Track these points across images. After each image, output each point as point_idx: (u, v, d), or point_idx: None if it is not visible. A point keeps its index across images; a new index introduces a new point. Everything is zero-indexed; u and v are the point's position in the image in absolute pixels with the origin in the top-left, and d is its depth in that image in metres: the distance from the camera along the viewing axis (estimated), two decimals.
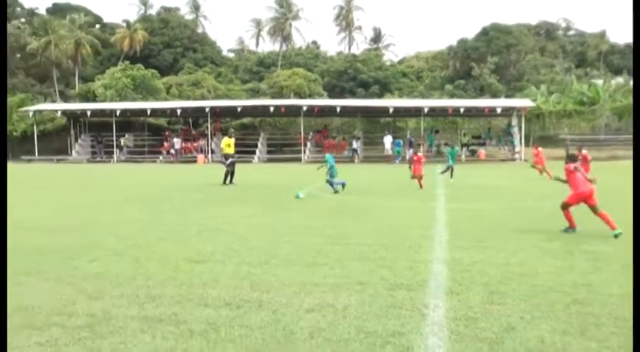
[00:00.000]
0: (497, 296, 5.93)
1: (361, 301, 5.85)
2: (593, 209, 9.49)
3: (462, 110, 41.54)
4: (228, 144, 21.02)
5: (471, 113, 44.64)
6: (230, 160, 20.40)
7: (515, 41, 68.07)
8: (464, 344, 4.64)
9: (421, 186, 18.47)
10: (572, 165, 9.90)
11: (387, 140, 42.37)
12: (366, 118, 48.93)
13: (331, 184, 16.95)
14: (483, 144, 43.85)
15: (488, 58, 65.88)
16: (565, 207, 9.82)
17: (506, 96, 56.95)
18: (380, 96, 60.63)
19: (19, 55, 65.37)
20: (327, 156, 17.85)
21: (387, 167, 33.63)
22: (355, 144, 41.74)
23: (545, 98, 50.75)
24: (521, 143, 40.27)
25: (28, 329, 5.12)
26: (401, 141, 41.11)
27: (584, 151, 18.31)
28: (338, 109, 42.30)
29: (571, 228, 9.77)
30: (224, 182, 20.02)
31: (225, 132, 46.88)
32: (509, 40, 67.18)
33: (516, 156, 39.88)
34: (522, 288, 6.26)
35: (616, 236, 9.00)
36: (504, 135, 43.86)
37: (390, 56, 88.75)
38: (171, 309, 5.64)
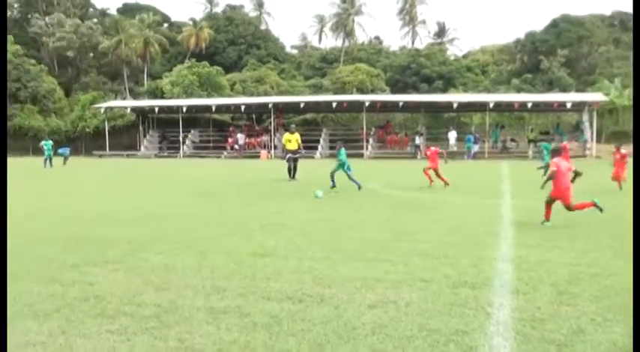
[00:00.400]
0: (566, 297, 5.73)
1: (424, 298, 5.77)
2: (567, 207, 10.17)
3: (529, 105, 40.24)
4: (289, 140, 20.60)
5: (539, 108, 43.23)
6: (288, 156, 20.27)
7: (587, 33, 65.37)
8: (530, 345, 4.50)
9: (431, 181, 17.55)
10: (555, 160, 10.29)
11: (452, 136, 41.66)
12: (430, 114, 48.29)
13: (349, 178, 16.61)
14: (552, 141, 42.44)
15: (557, 50, 63.59)
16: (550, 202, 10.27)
17: (577, 91, 54.83)
18: (444, 91, 59.63)
19: (91, 54, 68.02)
20: (341, 150, 17.30)
21: (451, 163, 33.07)
22: (418, 140, 41.21)
23: (619, 92, 48.54)
24: (592, 139, 38.73)
25: (100, 317, 5.32)
26: (472, 137, 40.02)
27: (623, 151, 17.09)
28: (400, 104, 41.92)
29: (547, 220, 10.24)
30: (292, 177, 20.09)
31: (287, 129, 47.60)
32: (580, 32, 64.60)
33: (587, 152, 38.39)
34: (593, 289, 6.02)
35: (598, 207, 10.14)
36: (572, 131, 42.29)
37: (455, 50, 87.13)
38: (235, 302, 5.74)
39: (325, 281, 6.45)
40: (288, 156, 20.33)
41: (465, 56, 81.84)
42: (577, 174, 10.30)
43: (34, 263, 7.57)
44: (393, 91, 58.98)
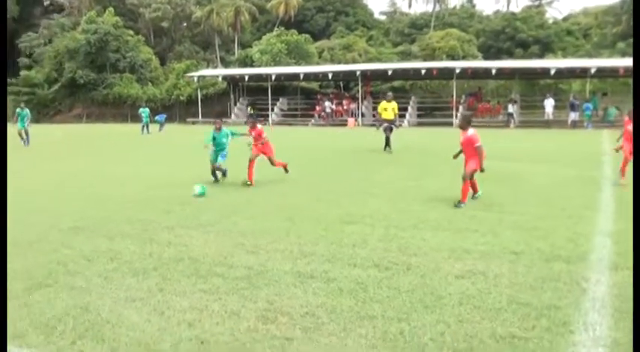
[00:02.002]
0: None
1: (514, 271, 5.61)
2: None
3: None
4: (385, 109, 18.98)
5: None
6: (384, 125, 18.98)
7: None
8: (629, 322, 4.28)
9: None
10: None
11: (548, 103, 39.64)
12: (525, 80, 46.20)
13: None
14: None
15: None
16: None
17: None
18: (540, 56, 56.74)
19: (184, 24, 69.93)
20: None
21: (547, 132, 31.68)
22: (511, 108, 39.55)
23: None
24: None
25: (193, 276, 5.57)
26: (590, 105, 36.93)
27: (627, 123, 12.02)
28: (493, 71, 40.30)
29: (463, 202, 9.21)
30: (387, 147, 18.75)
31: (376, 96, 47.09)
32: None
33: None
34: None
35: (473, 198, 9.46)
36: None
37: (554, 13, 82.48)
38: (321, 267, 5.82)
39: (411, 250, 6.41)
40: (384, 125, 18.93)
41: (564, 19, 77.29)
42: None
43: (131, 225, 7.99)
44: (486, 57, 56.80)
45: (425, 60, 52.35)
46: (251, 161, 12.16)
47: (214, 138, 12.41)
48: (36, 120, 52.31)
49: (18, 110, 24.78)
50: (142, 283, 5.38)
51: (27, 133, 24.06)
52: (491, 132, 31.34)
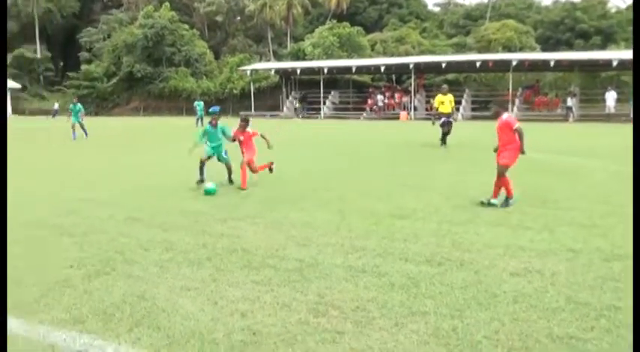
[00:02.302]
0: None
1: (572, 270, 5.45)
2: None
3: None
4: (441, 102, 18.30)
5: None
6: (443, 120, 18.15)
7: None
8: None
9: None
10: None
11: (610, 96, 38.23)
12: (585, 72, 44.74)
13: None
14: None
15: None
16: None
17: None
18: (602, 47, 54.77)
19: (238, 18, 70.81)
20: None
21: (607, 126, 30.61)
22: (570, 102, 38.38)
23: None
24: None
25: (246, 268, 5.64)
26: None
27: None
28: (552, 63, 39.18)
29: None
30: (443, 143, 18.18)
31: (429, 89, 46.51)
32: None
33: None
34: None
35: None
36: None
37: (617, 2, 79.39)
38: (373, 261, 5.80)
39: (465, 246, 6.30)
40: (442, 120, 18.21)
41: (628, 8, 74.35)
42: None
43: (185, 216, 8.15)
44: (544, 49, 55.24)
45: (480, 52, 51.35)
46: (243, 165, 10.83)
47: (209, 134, 11.25)
48: (95, 113, 54.14)
49: (71, 106, 25.27)
50: (196, 273, 5.49)
51: (82, 127, 24.38)
52: (548, 126, 30.54)
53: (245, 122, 11.20)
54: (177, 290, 5.03)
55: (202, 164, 11.10)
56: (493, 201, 8.56)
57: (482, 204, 8.52)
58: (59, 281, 5.30)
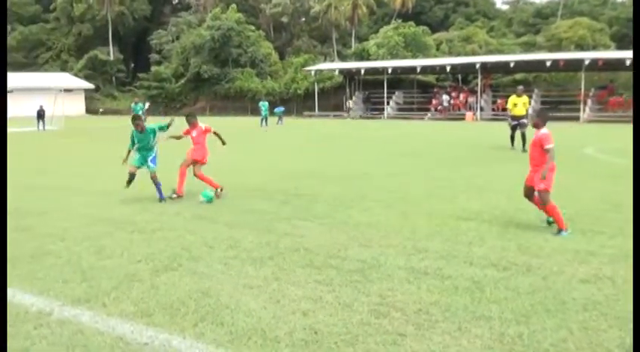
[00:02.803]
0: None
1: None
2: None
3: None
4: (514, 104, 17.37)
5: None
6: (514, 123, 17.29)
7: None
8: None
9: None
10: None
11: None
12: None
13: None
14: None
15: None
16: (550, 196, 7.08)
17: None
18: None
19: (303, 19, 71.39)
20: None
21: None
22: None
23: None
24: None
25: (308, 267, 5.67)
26: None
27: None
28: (627, 62, 37.49)
29: (563, 229, 6.91)
30: (513, 146, 17.32)
31: (495, 89, 45.46)
32: None
33: None
34: None
35: None
36: None
37: None
38: (436, 263, 5.71)
39: (532, 250, 6.12)
40: (513, 123, 17.40)
41: None
42: None
43: (250, 214, 8.27)
44: (619, 47, 52.89)
45: (550, 51, 49.72)
46: (182, 167, 10.14)
47: (137, 141, 9.74)
48: (164, 112, 55.80)
49: (132, 105, 25.47)
50: (259, 271, 5.56)
51: None
52: (622, 127, 29.26)
53: (192, 117, 10.32)
54: (241, 287, 5.11)
55: (132, 176, 9.65)
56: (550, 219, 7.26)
57: (548, 224, 7.27)
58: (128, 275, 5.49)
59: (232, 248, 6.41)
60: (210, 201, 9.22)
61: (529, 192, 7.28)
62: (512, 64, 41.37)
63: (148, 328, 4.24)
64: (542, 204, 7.03)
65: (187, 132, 10.41)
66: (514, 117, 17.30)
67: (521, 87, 18.72)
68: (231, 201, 9.34)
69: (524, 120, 16.98)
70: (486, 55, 49.42)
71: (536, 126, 7.26)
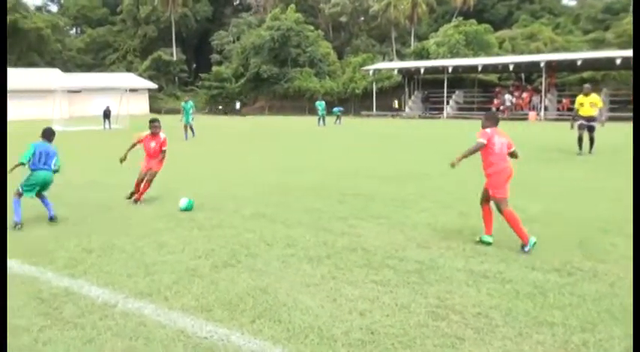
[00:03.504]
0: None
1: None
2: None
3: None
4: (581, 103, 16.09)
5: None
6: (580, 122, 16.05)
7: None
8: None
9: None
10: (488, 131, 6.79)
11: None
12: None
13: None
14: None
15: None
16: (506, 204, 6.46)
17: None
18: None
19: (362, 18, 71.21)
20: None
21: None
22: None
23: None
24: None
25: (365, 267, 5.65)
26: None
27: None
28: None
29: (525, 243, 6.18)
30: (581, 149, 16.06)
31: (561, 88, 44.06)
32: None
33: None
34: None
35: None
36: None
37: None
38: (496, 267, 5.59)
39: (598, 256, 5.90)
40: (579, 122, 16.18)
41: None
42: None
43: (307, 213, 8.31)
44: None
45: (621, 48, 47.73)
46: (139, 181, 9.42)
47: (41, 154, 7.97)
48: (224, 112, 56.85)
49: (182, 104, 24.64)
50: (316, 270, 5.58)
51: (191, 128, 23.80)
52: None
53: (156, 123, 9.65)
54: (298, 285, 5.14)
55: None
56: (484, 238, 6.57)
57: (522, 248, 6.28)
58: (189, 270, 5.61)
59: (290, 246, 6.46)
60: (189, 209, 8.55)
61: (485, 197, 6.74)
62: (579, 62, 39.93)
63: (208, 323, 4.33)
64: (499, 211, 6.42)
65: (144, 141, 9.50)
66: (581, 118, 16.16)
67: (587, 85, 17.40)
68: (288, 200, 9.41)
69: (593, 123, 15.86)
70: (551, 53, 47.92)
71: (483, 126, 6.93)
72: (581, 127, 16.09)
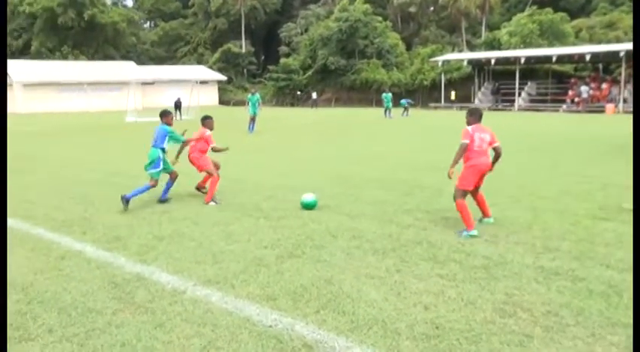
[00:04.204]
0: None
1: None
2: None
3: None
4: None
5: None
6: None
7: None
8: None
9: None
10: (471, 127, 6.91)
11: None
12: None
13: None
14: None
15: None
16: (462, 195, 6.81)
17: None
18: None
19: (431, 9, 69.90)
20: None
21: None
22: None
23: None
24: None
25: (431, 261, 5.58)
26: None
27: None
28: None
29: (469, 229, 6.57)
30: None
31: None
32: None
33: None
34: None
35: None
36: None
37: None
38: (568, 264, 5.40)
39: None
40: None
41: None
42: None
43: (373, 205, 8.29)
44: None
45: None
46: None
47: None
48: (291, 104, 57.38)
49: (249, 96, 24.29)
50: (380, 262, 5.56)
51: (254, 120, 23.40)
52: None
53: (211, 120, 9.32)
54: (362, 277, 5.14)
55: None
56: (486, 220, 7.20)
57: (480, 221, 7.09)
58: (255, 259, 5.71)
59: (355, 238, 6.46)
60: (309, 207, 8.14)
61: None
62: None
63: (273, 311, 4.40)
64: (453, 198, 6.82)
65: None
66: None
67: None
68: (353, 192, 9.41)
69: None
70: (632, 42, 45.60)
71: (467, 122, 6.94)
72: None
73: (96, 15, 68.54)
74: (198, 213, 8.00)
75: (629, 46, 40.89)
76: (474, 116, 6.96)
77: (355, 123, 30.75)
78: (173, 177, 8.95)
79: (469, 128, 6.83)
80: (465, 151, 6.77)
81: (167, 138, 8.70)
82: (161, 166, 8.66)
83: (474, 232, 6.48)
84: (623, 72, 39.64)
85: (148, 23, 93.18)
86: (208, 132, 9.08)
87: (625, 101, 38.63)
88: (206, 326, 4.16)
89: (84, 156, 16.18)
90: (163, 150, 8.68)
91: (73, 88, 55.79)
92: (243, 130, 23.49)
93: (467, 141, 6.72)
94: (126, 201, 8.20)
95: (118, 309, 4.51)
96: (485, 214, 7.21)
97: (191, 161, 9.12)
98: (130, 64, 63.91)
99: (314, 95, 55.07)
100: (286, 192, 9.46)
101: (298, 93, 59.99)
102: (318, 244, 6.24)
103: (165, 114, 9.01)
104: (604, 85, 41.89)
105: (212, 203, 8.59)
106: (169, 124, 8.90)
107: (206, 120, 9.24)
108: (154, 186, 8.63)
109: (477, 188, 7.01)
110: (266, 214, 7.79)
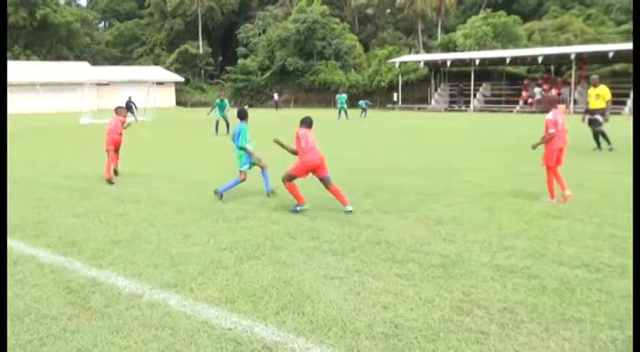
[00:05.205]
0: None
1: None
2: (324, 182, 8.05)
3: None
4: (589, 96, 15.36)
5: None
6: (588, 117, 15.07)
7: None
8: None
9: None
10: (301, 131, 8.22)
11: None
12: None
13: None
14: None
15: None
16: (289, 178, 8.10)
17: None
18: None
19: (389, 11, 70.59)
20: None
21: None
22: None
23: None
24: None
25: (389, 261, 5.62)
26: None
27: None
28: None
29: (300, 204, 8.04)
30: (597, 143, 15.14)
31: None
32: None
33: None
34: None
35: (347, 212, 7.77)
36: None
37: None
38: (523, 262, 5.51)
39: (629, 252, 5.77)
40: (587, 117, 15.25)
41: None
42: None
43: (332, 207, 8.30)
44: None
45: None
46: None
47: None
48: (249, 105, 57.11)
49: (217, 101, 23.22)
50: (340, 263, 5.57)
51: (227, 124, 22.15)
52: None
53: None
54: (322, 278, 5.14)
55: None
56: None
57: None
58: (214, 261, 5.66)
59: (314, 239, 6.46)
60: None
61: None
62: (610, 54, 39.05)
63: (232, 314, 4.36)
64: (283, 181, 8.07)
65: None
66: (587, 111, 15.31)
67: (595, 76, 16.19)
68: (313, 193, 9.40)
69: (597, 116, 14.75)
70: (582, 45, 47.01)
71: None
72: (590, 121, 15.18)
73: (48, 14, 66.82)
74: (156, 215, 7.87)
75: (580, 48, 42.18)
76: (306, 123, 8.39)
77: (315, 124, 30.71)
78: (263, 169, 9.56)
79: (301, 132, 8.18)
80: (296, 151, 8.23)
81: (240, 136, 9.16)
82: (250, 162, 9.29)
83: (305, 206, 7.85)
84: (574, 74, 40.80)
85: (103, 23, 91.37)
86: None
87: (575, 102, 39.74)
88: (164, 330, 4.10)
89: (37, 158, 15.74)
90: (242, 148, 9.15)
91: (25, 88, 54.26)
92: (202, 132, 23.22)
93: (304, 144, 8.03)
94: (220, 195, 8.84)
95: (74, 315, 4.40)
96: (344, 203, 7.93)
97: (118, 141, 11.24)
98: (85, 65, 62.55)
99: (276, 96, 54.89)
100: (245, 193, 9.40)
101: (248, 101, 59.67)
102: (277, 245, 6.22)
103: (245, 115, 9.43)
104: (555, 87, 43.03)
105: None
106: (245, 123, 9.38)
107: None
108: (243, 180, 9.14)
109: (322, 178, 8.11)
110: (225, 216, 7.72)
